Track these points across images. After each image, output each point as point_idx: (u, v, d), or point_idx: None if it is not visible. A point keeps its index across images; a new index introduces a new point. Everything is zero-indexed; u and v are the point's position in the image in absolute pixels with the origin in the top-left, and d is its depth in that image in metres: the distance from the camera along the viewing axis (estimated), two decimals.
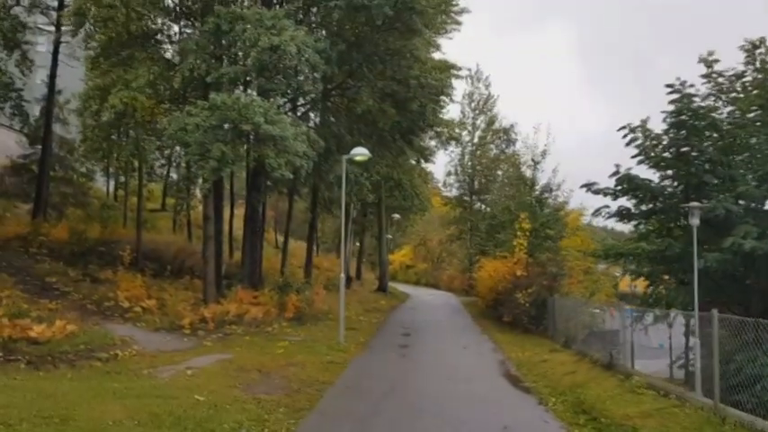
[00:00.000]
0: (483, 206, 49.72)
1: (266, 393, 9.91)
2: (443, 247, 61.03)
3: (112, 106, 15.86)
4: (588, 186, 23.45)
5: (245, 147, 18.02)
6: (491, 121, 50.11)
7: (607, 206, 23.68)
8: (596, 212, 23.72)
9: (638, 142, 22.13)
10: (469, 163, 49.96)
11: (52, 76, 26.52)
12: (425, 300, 38.34)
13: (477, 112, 49.92)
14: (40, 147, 28.41)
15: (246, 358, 13.23)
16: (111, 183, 39.74)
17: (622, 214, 23.42)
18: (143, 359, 13.33)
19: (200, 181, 16.43)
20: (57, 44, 27.17)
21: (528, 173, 24.38)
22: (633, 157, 22.96)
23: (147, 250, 26.81)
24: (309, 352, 14.38)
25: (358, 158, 16.45)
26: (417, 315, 27.08)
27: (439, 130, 30.79)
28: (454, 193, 51.02)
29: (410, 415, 9.20)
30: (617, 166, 23.02)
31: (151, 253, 26.86)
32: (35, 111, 34.35)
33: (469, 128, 49.29)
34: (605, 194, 23.52)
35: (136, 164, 30.44)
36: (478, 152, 49.82)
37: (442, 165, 60.47)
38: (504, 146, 50.50)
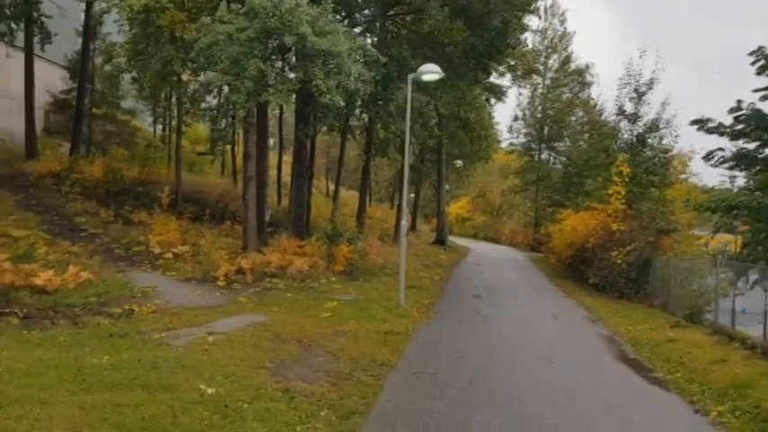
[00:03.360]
0: (553, 155, 45.38)
1: (304, 380, 7.07)
2: (505, 198, 57.10)
3: (129, 6, 13.01)
4: (701, 123, 19.44)
5: (288, 65, 14.92)
6: (565, 61, 45.09)
7: (721, 149, 19.70)
8: (708, 156, 19.74)
9: None
10: (539, 107, 45.38)
11: (89, 4, 23.94)
12: (488, 255, 35.05)
13: (550, 50, 44.96)
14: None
15: (285, 322, 10.51)
16: (160, 125, 37.75)
17: (742, 158, 19.39)
18: (161, 317, 10.87)
19: (235, 108, 13.45)
20: None
21: (629, 106, 20.30)
22: (758, 90, 18.96)
23: (188, 192, 24.81)
24: (363, 316, 11.52)
25: (426, 78, 13.07)
26: (484, 272, 23.89)
27: (513, 63, 26.79)
28: (521, 140, 46.58)
29: (515, 427, 6.19)
30: (738, 101, 18.99)
31: (192, 195, 24.86)
32: (77, 44, 32.29)
33: (541, 68, 44.45)
34: (721, 134, 19.52)
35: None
36: (550, 95, 45.11)
37: (502, 113, 55.41)
38: (577, 89, 45.71)
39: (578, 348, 10.52)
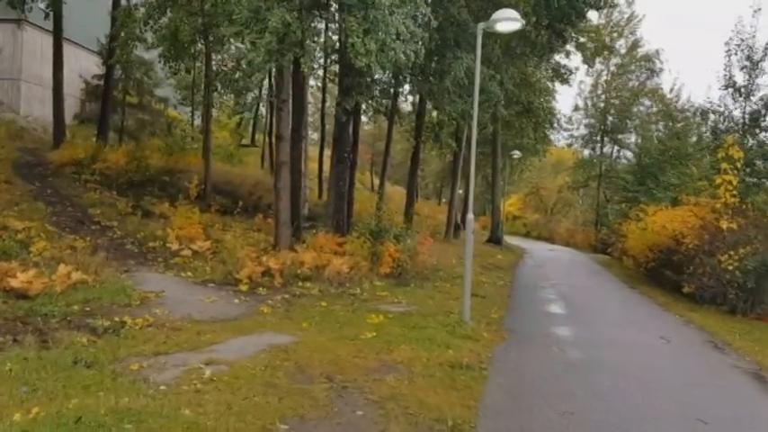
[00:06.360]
0: (616, 148, 41.61)
1: None
2: (561, 196, 53.39)
3: None
4: None
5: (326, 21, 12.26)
6: (633, 46, 41.14)
7: None
8: None
9: None
10: (603, 96, 41.60)
11: None
12: (548, 256, 31.72)
13: (615, 34, 41.06)
14: (118, 69, 25.09)
15: (314, 346, 7.81)
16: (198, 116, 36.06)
17: None
18: (156, 334, 8.32)
19: (254, 70, 10.84)
20: None
21: (740, 77, 16.72)
22: None
23: (220, 183, 22.87)
24: (418, 338, 8.69)
25: (500, 28, 10.08)
26: (550, 276, 20.73)
27: (582, 40, 23.42)
28: (581, 131, 42.93)
29: None
30: None
31: (224, 186, 22.91)
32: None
33: (605, 53, 40.63)
34: None
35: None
36: (615, 83, 41.26)
37: (558, 105, 51.97)
38: (645, 76, 41.76)
39: (724, 394, 7.42)
